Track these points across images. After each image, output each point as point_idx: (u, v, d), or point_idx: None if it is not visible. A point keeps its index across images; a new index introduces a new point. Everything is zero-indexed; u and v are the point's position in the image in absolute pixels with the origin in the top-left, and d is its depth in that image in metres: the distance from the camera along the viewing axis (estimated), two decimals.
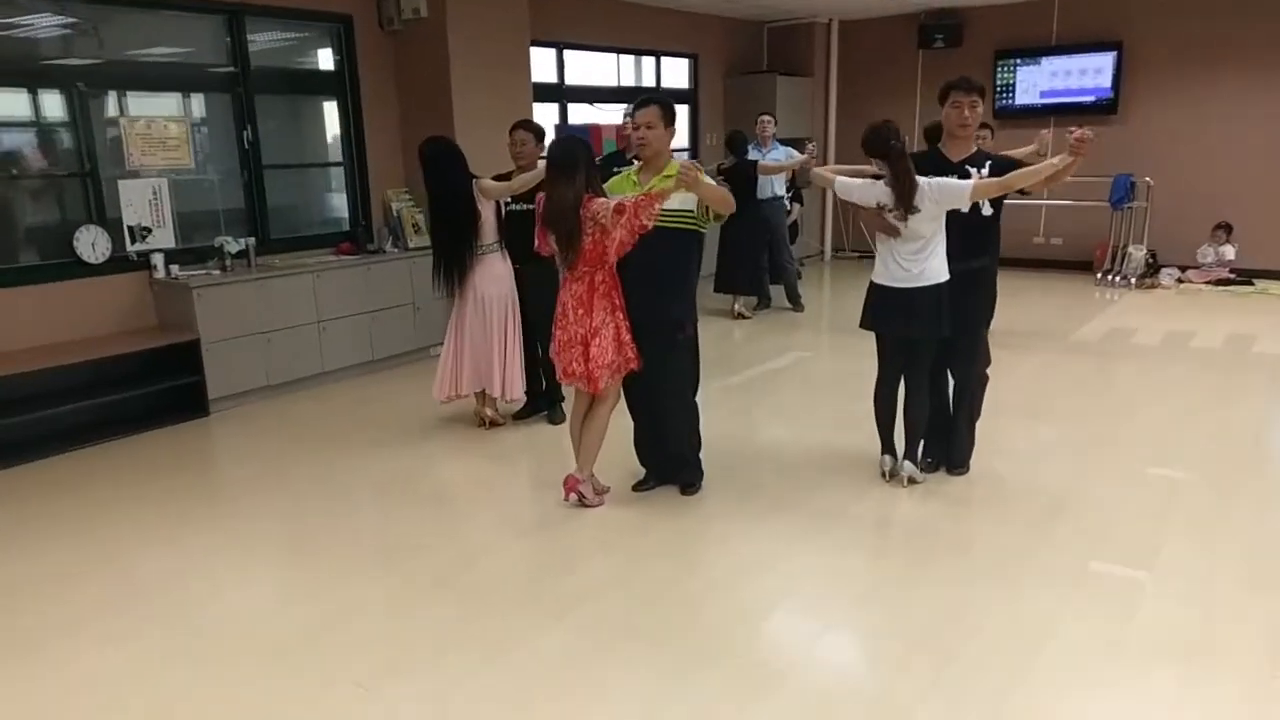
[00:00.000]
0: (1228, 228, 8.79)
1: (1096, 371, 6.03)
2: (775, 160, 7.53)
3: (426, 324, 6.49)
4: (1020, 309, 7.65)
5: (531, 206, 4.21)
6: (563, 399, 4.93)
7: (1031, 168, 3.56)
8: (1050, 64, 9.65)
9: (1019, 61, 9.81)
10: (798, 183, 8.87)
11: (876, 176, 3.73)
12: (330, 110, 6.53)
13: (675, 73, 9.81)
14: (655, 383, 3.76)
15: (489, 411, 4.98)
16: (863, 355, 4.29)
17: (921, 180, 3.59)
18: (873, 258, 3.91)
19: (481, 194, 4.62)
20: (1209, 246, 8.80)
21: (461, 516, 3.99)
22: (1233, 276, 8.62)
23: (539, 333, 4.75)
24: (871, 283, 3.86)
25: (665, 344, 3.72)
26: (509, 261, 4.78)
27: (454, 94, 6.34)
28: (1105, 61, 9.32)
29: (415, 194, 6.63)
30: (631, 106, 5.40)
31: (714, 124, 10.16)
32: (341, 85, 6.43)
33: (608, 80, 9.04)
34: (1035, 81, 9.78)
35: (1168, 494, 3.93)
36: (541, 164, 4.36)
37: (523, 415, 5.16)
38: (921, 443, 4.02)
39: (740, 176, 7.26)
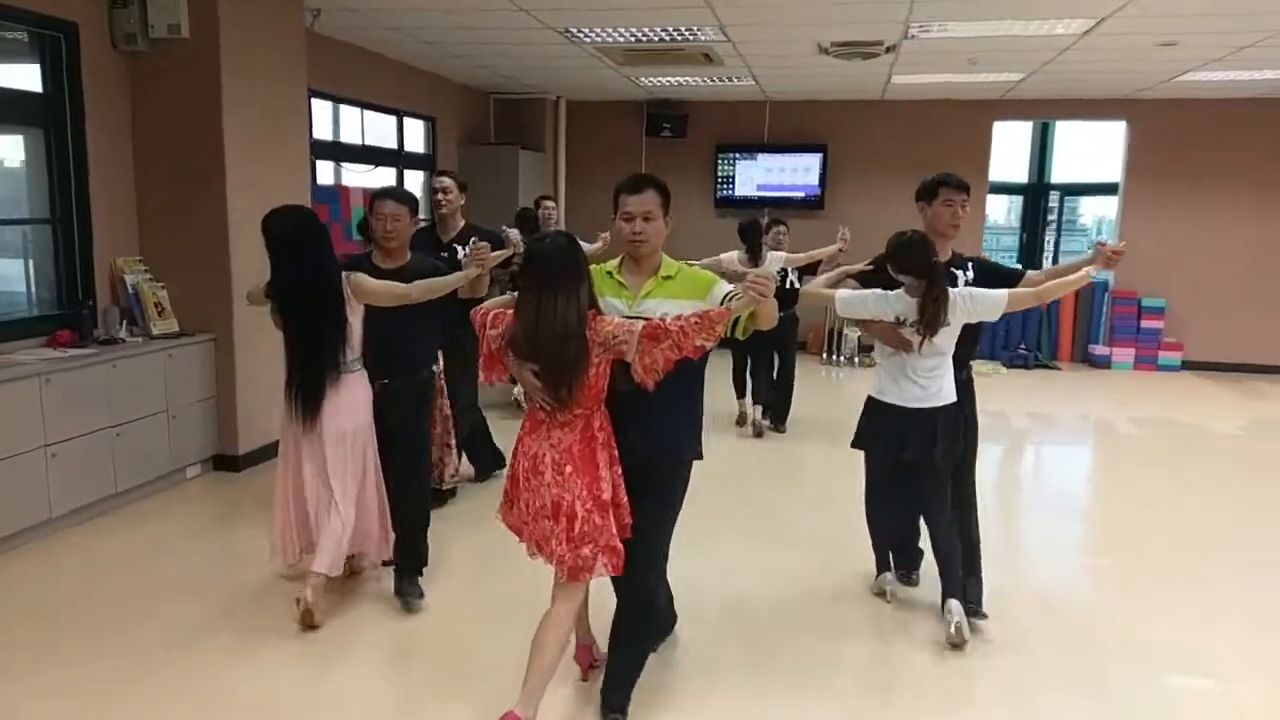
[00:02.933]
0: None
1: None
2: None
3: (183, 436, 4.91)
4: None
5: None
6: (425, 565, 3.73)
7: (1070, 278, 3.33)
8: (766, 160, 10.47)
9: (738, 156, 10.50)
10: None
11: (874, 281, 3.46)
12: (34, 148, 4.71)
13: (414, 136, 8.90)
14: (644, 539, 2.81)
15: (311, 596, 3.35)
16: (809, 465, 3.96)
17: (952, 291, 3.33)
18: None
19: (357, 296, 3.40)
20: None
21: None
22: None
23: (404, 467, 3.68)
24: (873, 400, 3.50)
25: (665, 489, 2.85)
26: (367, 381, 3.56)
27: (226, 141, 4.94)
28: (813, 161, 10.34)
29: (155, 265, 5.05)
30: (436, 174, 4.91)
31: None
32: (55, 116, 4.67)
33: (352, 138, 7.87)
34: (753, 175, 10.52)
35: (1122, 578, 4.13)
36: (455, 273, 3.65)
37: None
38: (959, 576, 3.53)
39: None
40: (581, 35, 6.73)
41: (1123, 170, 9.83)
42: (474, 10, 6.01)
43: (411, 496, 3.68)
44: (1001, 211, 12.21)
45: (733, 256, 6.34)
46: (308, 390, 3.37)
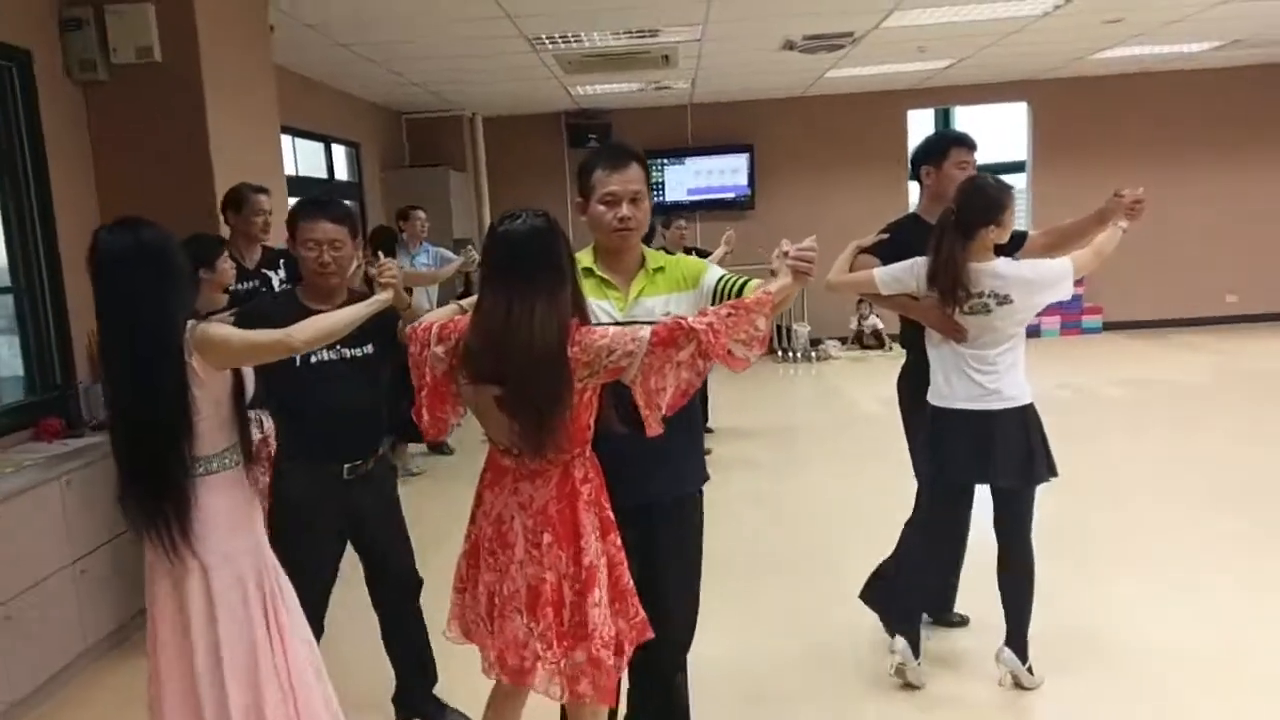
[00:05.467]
0: (868, 301, 10.29)
1: None
2: (423, 267, 5.99)
3: None
4: (739, 390, 7.69)
5: (363, 352, 2.58)
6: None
7: (1108, 234, 2.89)
8: (694, 164, 10.35)
9: (666, 161, 10.32)
10: (472, 291, 7.88)
11: (890, 252, 2.92)
12: None
13: (339, 164, 8.17)
14: (666, 621, 2.25)
15: None
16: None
17: (1007, 263, 2.80)
18: None
19: (204, 356, 2.13)
20: (855, 318, 10.17)
21: None
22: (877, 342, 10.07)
23: (397, 588, 2.78)
24: (932, 408, 2.90)
25: (681, 542, 2.33)
26: (257, 484, 2.33)
27: (217, 182, 4.24)
28: (741, 162, 10.31)
29: None
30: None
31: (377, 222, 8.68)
32: (9, 161, 3.86)
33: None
34: (682, 179, 10.39)
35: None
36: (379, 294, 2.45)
37: None
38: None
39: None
40: (547, 43, 6.35)
41: (1028, 149, 10.36)
42: (449, 19, 5.53)
43: (410, 626, 2.81)
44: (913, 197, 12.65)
45: None
46: (148, 502, 2.14)
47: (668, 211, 10.14)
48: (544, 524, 1.98)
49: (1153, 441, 6.08)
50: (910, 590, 3.04)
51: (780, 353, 9.90)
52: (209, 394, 2.15)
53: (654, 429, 1.93)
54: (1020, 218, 11.27)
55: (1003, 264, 2.79)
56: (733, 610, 3.57)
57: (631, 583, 2.08)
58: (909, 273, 2.87)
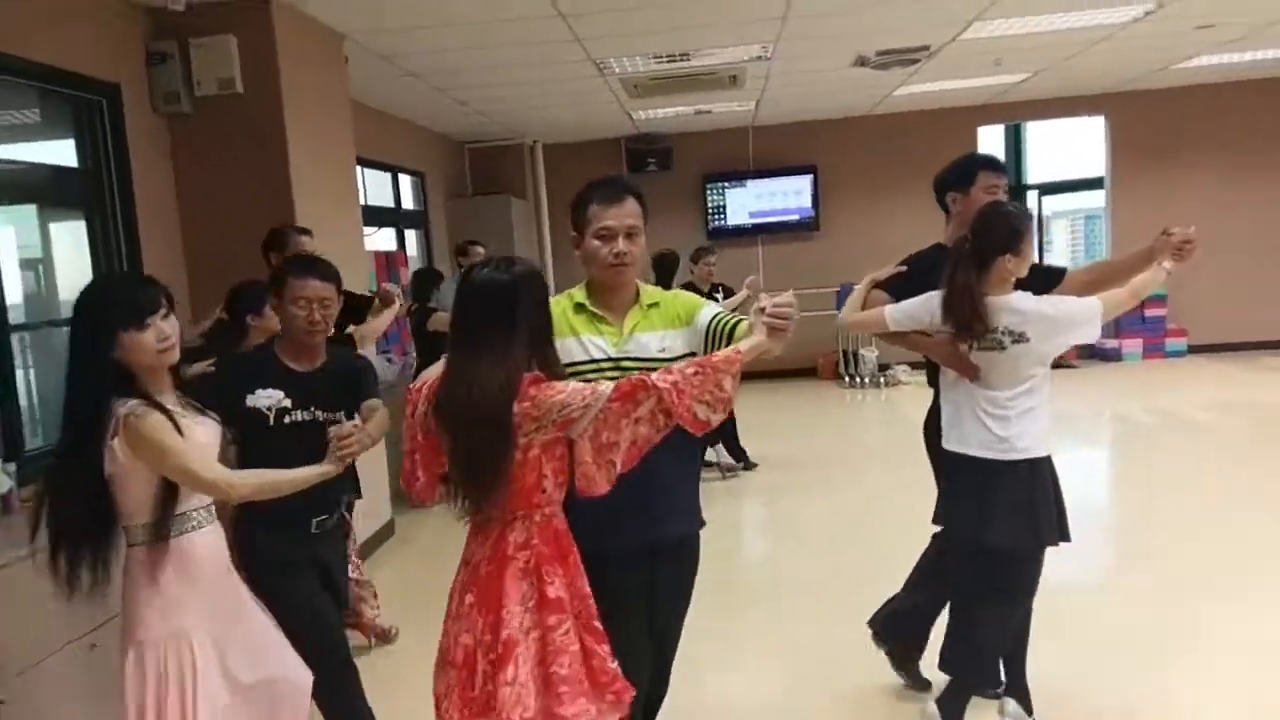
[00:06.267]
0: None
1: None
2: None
3: None
4: (802, 415, 7.38)
5: (336, 416, 2.48)
6: None
7: (1149, 274, 2.62)
8: (755, 186, 10.21)
9: (727, 184, 10.20)
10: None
11: (905, 288, 2.73)
12: (70, 238, 3.88)
13: (406, 192, 8.20)
14: (662, 655, 2.36)
15: None
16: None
17: (1029, 299, 2.56)
18: None
19: (139, 449, 1.96)
20: None
21: None
22: None
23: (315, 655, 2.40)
24: (946, 452, 2.67)
25: (678, 586, 2.33)
26: (221, 547, 2.17)
27: (298, 214, 4.21)
28: (804, 184, 10.14)
29: None
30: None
31: (446, 254, 8.69)
32: (98, 197, 3.86)
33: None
34: (744, 203, 10.24)
35: None
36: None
37: None
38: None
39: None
40: (612, 65, 6.29)
41: (1107, 164, 10.00)
42: (519, 44, 5.48)
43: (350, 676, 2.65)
44: None
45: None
46: (70, 568, 2.00)
47: (730, 236, 10.13)
48: (472, 582, 1.91)
49: (1246, 463, 5.70)
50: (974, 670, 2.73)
51: (847, 379, 9.65)
52: (126, 480, 1.98)
53: (601, 487, 1.86)
54: (1099, 239, 10.87)
55: (1021, 298, 2.54)
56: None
57: (608, 649, 1.95)
58: (924, 308, 2.64)
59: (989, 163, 2.95)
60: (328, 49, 4.73)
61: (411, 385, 2.05)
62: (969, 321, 2.50)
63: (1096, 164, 10.17)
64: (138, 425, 1.93)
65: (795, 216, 10.18)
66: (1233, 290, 9.70)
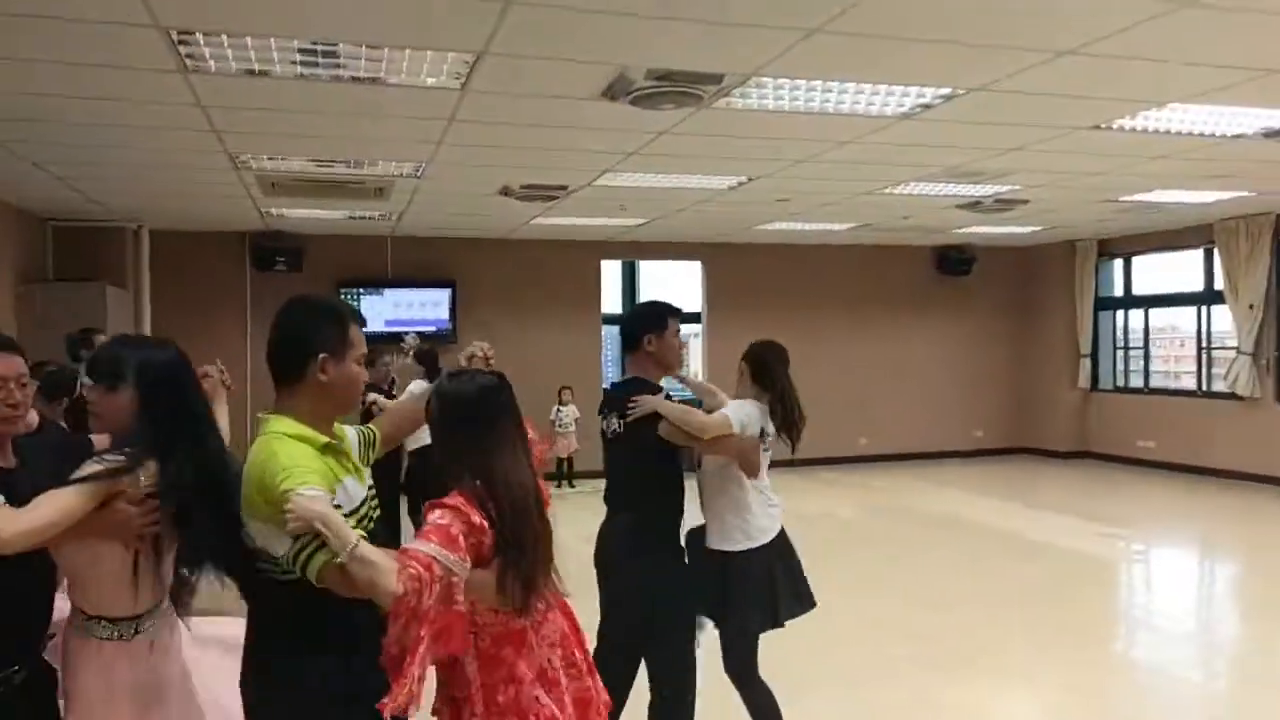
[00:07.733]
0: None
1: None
2: None
3: None
4: None
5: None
6: None
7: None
8: (393, 295, 10.11)
9: (362, 291, 9.97)
10: None
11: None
12: None
13: None
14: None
15: None
16: None
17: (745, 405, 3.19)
18: None
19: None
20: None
21: None
22: None
23: None
24: (754, 552, 3.02)
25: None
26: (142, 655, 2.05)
27: None
28: (443, 296, 10.26)
29: None
30: None
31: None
32: None
33: None
34: (381, 311, 10.04)
35: None
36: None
37: None
38: None
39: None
40: (249, 161, 5.94)
41: (702, 302, 11.49)
42: (146, 128, 4.96)
43: None
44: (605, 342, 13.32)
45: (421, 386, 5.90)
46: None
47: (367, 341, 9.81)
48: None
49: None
50: None
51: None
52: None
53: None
54: (696, 363, 12.02)
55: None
56: None
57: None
58: (754, 413, 3.12)
59: (675, 311, 3.31)
60: None
61: (410, 576, 1.73)
62: (798, 420, 3.10)
63: (695, 301, 11.64)
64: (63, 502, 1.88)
65: (433, 328, 10.18)
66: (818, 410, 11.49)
